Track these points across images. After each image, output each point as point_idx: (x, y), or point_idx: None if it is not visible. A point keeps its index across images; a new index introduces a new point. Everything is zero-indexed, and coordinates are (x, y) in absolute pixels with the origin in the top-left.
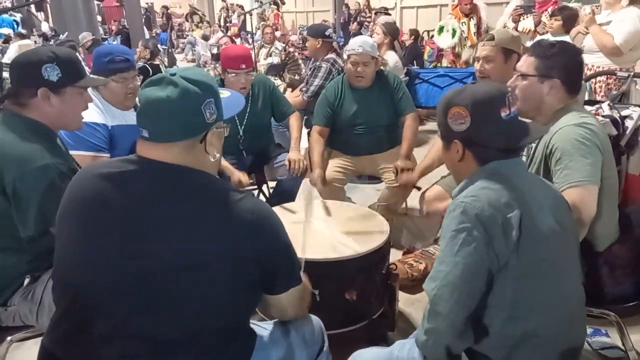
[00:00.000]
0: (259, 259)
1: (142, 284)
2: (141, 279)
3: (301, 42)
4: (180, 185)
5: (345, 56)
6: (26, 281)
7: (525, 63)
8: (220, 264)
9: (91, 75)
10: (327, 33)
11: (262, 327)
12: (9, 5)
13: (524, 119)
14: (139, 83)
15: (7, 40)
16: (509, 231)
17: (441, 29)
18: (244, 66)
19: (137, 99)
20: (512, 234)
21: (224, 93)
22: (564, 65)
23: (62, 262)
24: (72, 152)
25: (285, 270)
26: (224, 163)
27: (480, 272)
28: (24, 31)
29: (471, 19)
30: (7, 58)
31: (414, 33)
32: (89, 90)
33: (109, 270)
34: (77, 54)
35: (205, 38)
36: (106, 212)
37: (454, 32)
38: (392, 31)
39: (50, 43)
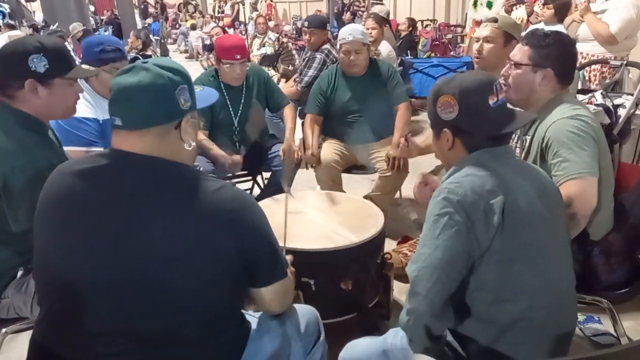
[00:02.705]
0: (240, 249)
1: (125, 279)
2: (123, 274)
3: (295, 32)
4: (156, 177)
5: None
6: (19, 273)
7: (519, 52)
8: (201, 255)
9: (82, 66)
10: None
11: (257, 318)
12: None
13: (511, 107)
14: None
15: None
16: (491, 217)
17: (475, 3)
18: (238, 56)
19: None
20: (494, 220)
21: (198, 88)
22: (557, 56)
23: (42, 261)
24: (65, 148)
25: (268, 262)
26: (218, 152)
27: (460, 255)
28: (12, 22)
29: None
30: None
31: (412, 23)
32: (79, 81)
33: (90, 267)
34: (66, 44)
35: (194, 27)
36: (83, 208)
37: (489, 3)
38: (380, 20)
39: (40, 34)
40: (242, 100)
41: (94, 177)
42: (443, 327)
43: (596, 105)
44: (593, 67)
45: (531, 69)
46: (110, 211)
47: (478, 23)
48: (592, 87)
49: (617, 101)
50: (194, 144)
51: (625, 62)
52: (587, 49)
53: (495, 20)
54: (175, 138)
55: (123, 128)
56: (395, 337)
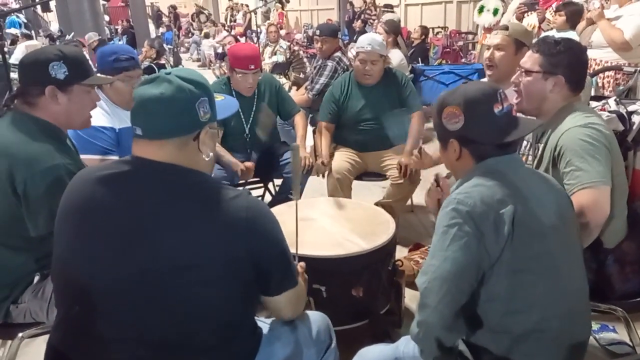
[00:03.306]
0: (253, 257)
1: (140, 285)
2: (138, 281)
3: (306, 40)
4: (174, 185)
5: (353, 53)
6: (36, 279)
7: (530, 59)
8: (215, 263)
9: (98, 74)
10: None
11: (269, 324)
12: (16, 6)
13: (517, 114)
14: None
15: (14, 41)
16: (501, 227)
17: (481, 9)
18: (252, 67)
19: None
20: (504, 230)
21: (218, 97)
22: (568, 63)
23: (61, 265)
24: (81, 156)
25: (281, 271)
26: (230, 159)
27: (470, 266)
28: (29, 32)
29: None
30: (14, 59)
31: (424, 31)
32: (96, 90)
33: (107, 273)
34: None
35: (207, 36)
36: (102, 214)
37: (496, 10)
38: (394, 28)
39: (56, 44)
40: (254, 108)
41: (113, 183)
42: (454, 338)
43: (610, 112)
44: (607, 73)
45: (542, 76)
46: (128, 217)
47: (489, 30)
48: (606, 93)
49: (630, 108)
50: (211, 154)
51: (639, 68)
52: (600, 55)
53: (506, 28)
54: (193, 149)
55: (143, 137)
56: (407, 345)
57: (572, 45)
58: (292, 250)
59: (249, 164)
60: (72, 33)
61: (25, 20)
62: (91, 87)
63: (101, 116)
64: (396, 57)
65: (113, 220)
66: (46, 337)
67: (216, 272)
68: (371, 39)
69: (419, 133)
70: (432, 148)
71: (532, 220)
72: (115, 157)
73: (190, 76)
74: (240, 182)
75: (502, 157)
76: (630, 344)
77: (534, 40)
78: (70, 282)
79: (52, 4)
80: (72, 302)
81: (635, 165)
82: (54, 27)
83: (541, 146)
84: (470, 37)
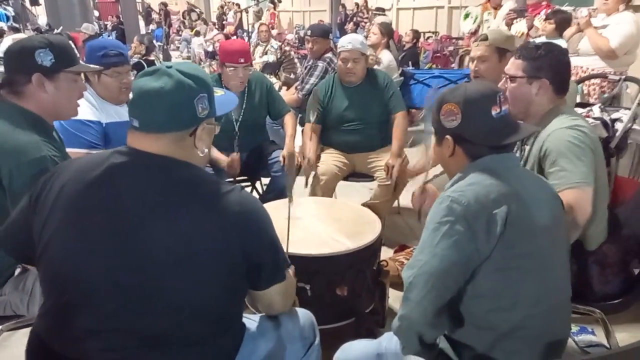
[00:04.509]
0: (245, 252)
1: (131, 278)
2: (129, 273)
3: (297, 41)
4: (168, 177)
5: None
6: (17, 271)
7: (513, 66)
8: (207, 257)
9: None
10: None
11: (253, 320)
12: None
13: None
14: (132, 78)
15: (1, 34)
16: (493, 227)
17: (467, 15)
18: (242, 60)
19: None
20: (496, 230)
21: (218, 92)
22: (551, 66)
23: (49, 254)
24: (67, 149)
25: (271, 265)
26: (217, 155)
27: (457, 265)
28: (17, 25)
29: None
30: (0, 52)
31: (416, 35)
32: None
33: (97, 264)
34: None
35: (197, 34)
36: (94, 204)
37: (476, 19)
38: (387, 31)
39: None
40: (244, 106)
41: (109, 173)
42: (435, 335)
43: (594, 118)
44: (592, 81)
45: (526, 80)
46: (119, 209)
47: (470, 35)
48: (591, 101)
49: (614, 115)
50: (207, 150)
51: (624, 77)
52: (587, 62)
53: (485, 38)
54: (189, 144)
55: (140, 130)
56: (390, 341)
57: (552, 48)
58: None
59: (234, 155)
60: (61, 27)
61: (14, 14)
62: (77, 76)
63: (88, 110)
64: (386, 58)
65: (104, 213)
66: (26, 330)
67: (208, 266)
68: (352, 38)
69: (403, 134)
70: (417, 152)
71: (525, 220)
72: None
73: (191, 71)
74: (228, 179)
75: (498, 155)
76: (608, 346)
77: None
78: (59, 272)
79: None
80: (60, 292)
81: (618, 172)
82: (42, 20)
83: (527, 148)
84: (460, 42)
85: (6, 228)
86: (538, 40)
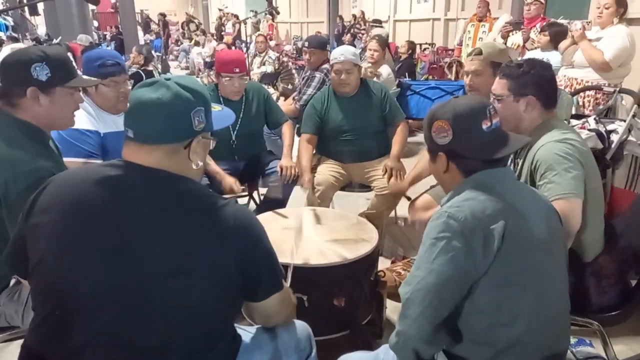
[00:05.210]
0: (240, 265)
1: (125, 292)
2: (124, 287)
3: (295, 52)
4: (163, 191)
5: None
6: (12, 282)
7: (499, 85)
8: (202, 271)
9: (83, 76)
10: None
11: (248, 332)
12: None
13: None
14: (130, 88)
15: (0, 43)
16: (490, 242)
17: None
18: (237, 70)
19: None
20: (493, 246)
21: (216, 107)
22: (535, 82)
23: (42, 267)
24: (64, 159)
25: (267, 278)
26: (216, 168)
27: (455, 281)
28: (15, 35)
29: (482, 26)
30: None
31: (412, 47)
32: (81, 93)
33: (92, 278)
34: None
35: (197, 44)
36: (89, 217)
37: (466, 32)
38: (383, 42)
39: None
40: (241, 115)
41: (101, 187)
42: (432, 352)
43: (589, 130)
44: (587, 93)
45: (513, 99)
46: (114, 223)
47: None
48: (586, 112)
49: (610, 127)
50: (201, 163)
51: (618, 89)
52: (582, 75)
53: (479, 52)
54: (183, 157)
55: (134, 140)
56: (387, 354)
57: (535, 64)
58: (281, 259)
59: (235, 187)
60: (60, 37)
61: (13, 23)
62: (74, 89)
63: (86, 119)
64: (385, 71)
65: (99, 225)
66: (20, 342)
67: (202, 279)
68: (344, 49)
69: (404, 139)
70: (413, 161)
71: (522, 234)
72: (98, 161)
73: (190, 84)
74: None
75: (493, 170)
76: (606, 358)
77: (519, 59)
78: (51, 285)
79: (41, 8)
80: (53, 306)
81: (614, 183)
82: (41, 30)
83: (520, 161)
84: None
85: (12, 244)
86: (534, 52)
